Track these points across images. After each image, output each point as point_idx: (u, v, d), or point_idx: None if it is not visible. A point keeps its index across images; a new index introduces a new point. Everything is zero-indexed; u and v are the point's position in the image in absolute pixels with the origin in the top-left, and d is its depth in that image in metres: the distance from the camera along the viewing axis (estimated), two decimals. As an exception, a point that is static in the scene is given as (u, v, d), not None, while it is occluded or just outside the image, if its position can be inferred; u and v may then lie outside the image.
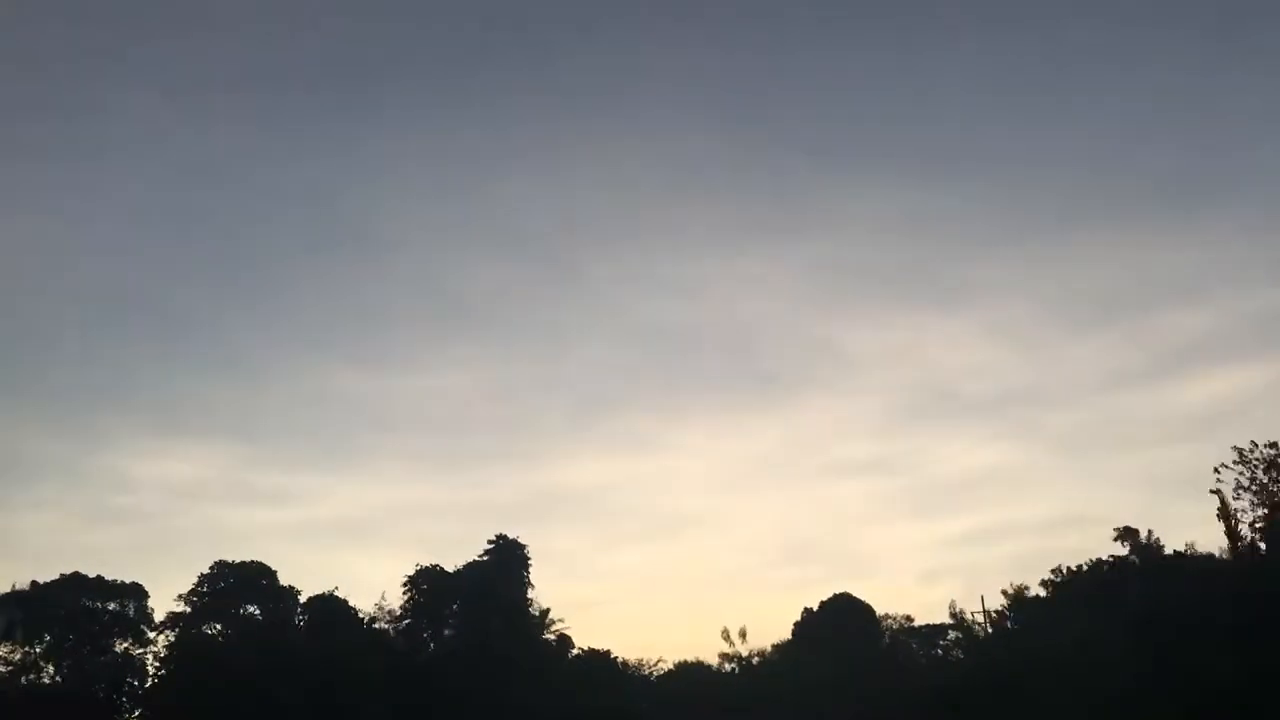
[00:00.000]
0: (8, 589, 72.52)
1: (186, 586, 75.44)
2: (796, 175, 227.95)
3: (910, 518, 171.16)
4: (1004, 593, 77.23)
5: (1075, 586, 71.01)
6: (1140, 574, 65.49)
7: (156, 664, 73.98)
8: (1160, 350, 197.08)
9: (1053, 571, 73.64)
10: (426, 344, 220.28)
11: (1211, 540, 63.80)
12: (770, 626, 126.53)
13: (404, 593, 78.37)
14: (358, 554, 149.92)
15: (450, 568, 79.63)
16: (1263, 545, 60.23)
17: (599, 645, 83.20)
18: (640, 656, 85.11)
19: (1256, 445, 60.39)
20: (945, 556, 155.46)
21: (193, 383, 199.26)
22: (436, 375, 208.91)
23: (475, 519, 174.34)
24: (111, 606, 74.14)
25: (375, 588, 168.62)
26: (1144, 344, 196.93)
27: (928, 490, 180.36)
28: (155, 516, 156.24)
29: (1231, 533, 60.61)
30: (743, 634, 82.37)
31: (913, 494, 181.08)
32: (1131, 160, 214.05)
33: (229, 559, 77.32)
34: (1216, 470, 61.11)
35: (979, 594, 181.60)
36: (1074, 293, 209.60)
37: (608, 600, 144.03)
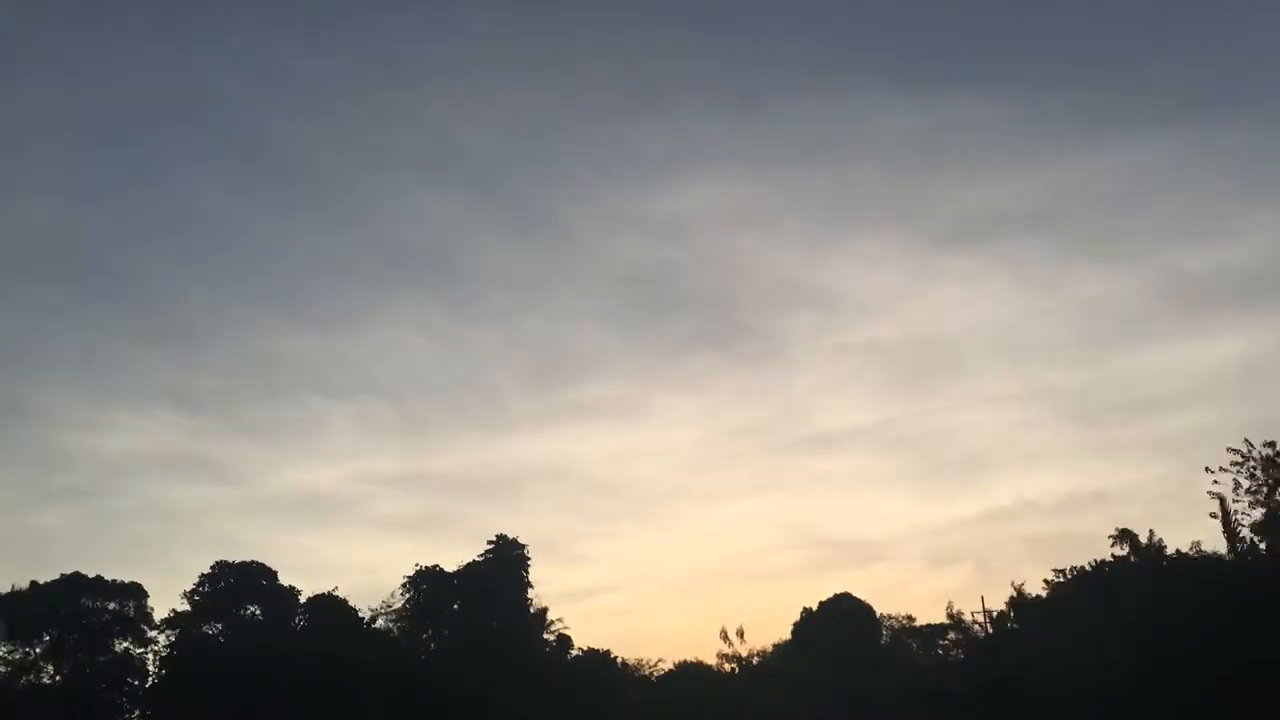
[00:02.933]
0: (7, 589, 72.73)
1: (135, 574, 75.56)
2: (787, 90, 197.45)
3: (917, 495, 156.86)
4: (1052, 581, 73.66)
5: (1075, 587, 70.93)
6: (1140, 574, 65.41)
7: (156, 664, 74.07)
8: (1192, 295, 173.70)
9: (1054, 571, 73.57)
10: (372, 296, 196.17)
11: (1219, 533, 62.84)
12: (773, 618, 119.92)
13: (404, 593, 78.52)
14: (313, 534, 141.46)
15: (450, 567, 79.87)
16: (1262, 546, 60.01)
17: (589, 637, 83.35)
18: (640, 656, 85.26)
19: (1253, 445, 60.00)
20: (956, 539, 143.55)
21: (122, 344, 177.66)
22: (385, 332, 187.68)
23: (435, 494, 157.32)
24: (111, 606, 74.13)
25: (335, 571, 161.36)
26: (1173, 287, 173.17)
27: (935, 464, 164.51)
28: (93, 496, 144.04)
29: (1231, 534, 60.28)
30: (740, 633, 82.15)
31: (919, 468, 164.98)
32: (1156, 66, 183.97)
33: (229, 559, 77.78)
34: (1211, 470, 60.50)
35: (993, 580, 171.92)
36: (1098, 225, 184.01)
37: (595, 589, 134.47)
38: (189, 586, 75.76)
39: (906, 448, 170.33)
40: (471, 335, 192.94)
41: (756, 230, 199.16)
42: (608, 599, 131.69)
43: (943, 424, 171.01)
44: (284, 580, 78.53)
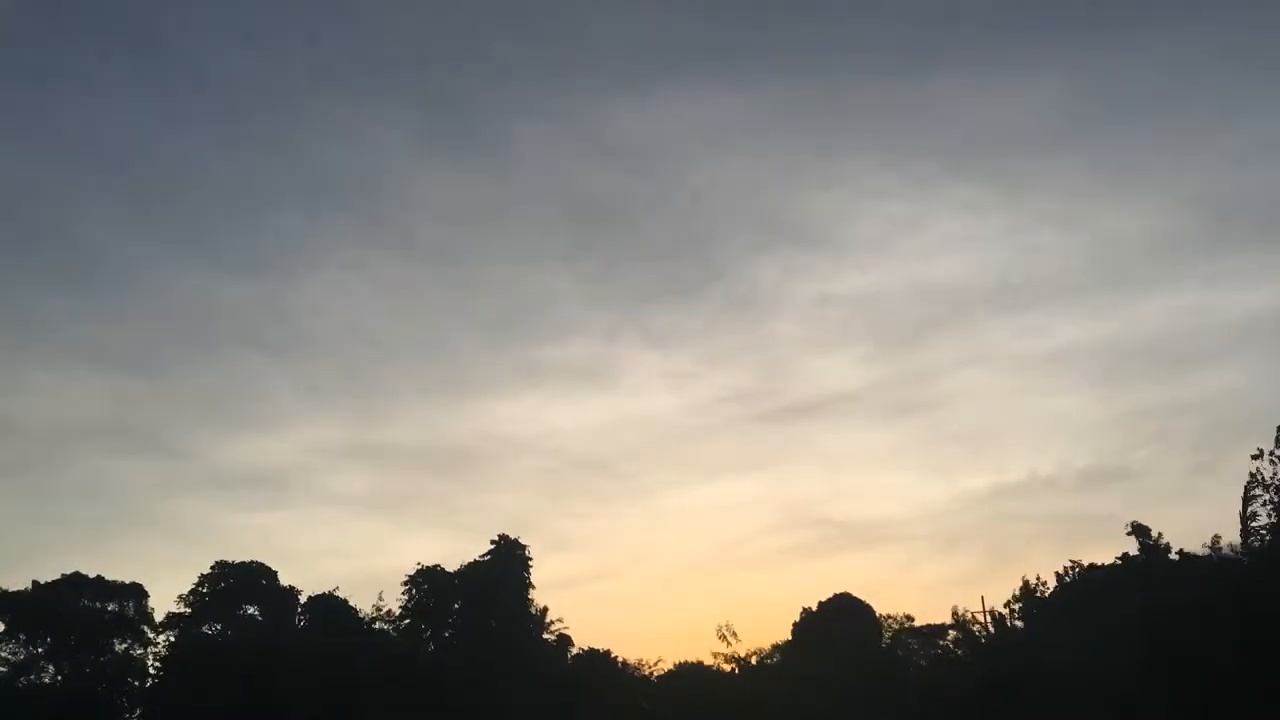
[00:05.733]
0: (8, 589, 72.70)
1: (90, 567, 74.52)
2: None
3: (920, 471, 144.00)
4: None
5: (1080, 586, 70.88)
6: (1147, 573, 65.35)
7: (156, 664, 74.18)
8: (1232, 226, 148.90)
9: (1061, 569, 73.47)
10: (312, 237, 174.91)
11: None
12: (772, 612, 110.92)
13: (404, 593, 78.63)
14: (266, 515, 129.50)
15: (450, 568, 79.89)
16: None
17: (578, 631, 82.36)
18: (639, 656, 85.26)
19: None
20: (964, 520, 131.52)
21: (31, 292, 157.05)
22: (329, 280, 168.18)
23: (395, 469, 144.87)
24: (111, 606, 74.23)
25: (299, 558, 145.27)
26: (1210, 217, 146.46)
27: (938, 435, 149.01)
28: (22, 472, 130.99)
29: (1246, 531, 60.06)
30: (733, 634, 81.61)
31: (921, 440, 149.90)
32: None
33: (229, 559, 77.65)
34: (1256, 457, 59.35)
35: (1005, 567, 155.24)
36: (1121, 142, 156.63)
37: (581, 578, 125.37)
38: (188, 588, 75.83)
39: (905, 416, 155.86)
40: (416, 280, 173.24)
41: (730, 152, 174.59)
42: (595, 588, 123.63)
43: (944, 388, 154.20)
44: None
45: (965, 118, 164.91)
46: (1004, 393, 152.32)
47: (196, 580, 75.59)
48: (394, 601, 78.17)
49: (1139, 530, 67.97)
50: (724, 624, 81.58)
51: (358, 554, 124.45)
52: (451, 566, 79.66)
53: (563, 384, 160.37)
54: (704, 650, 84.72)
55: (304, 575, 74.04)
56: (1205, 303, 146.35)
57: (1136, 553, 67.75)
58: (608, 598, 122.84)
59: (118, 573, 75.17)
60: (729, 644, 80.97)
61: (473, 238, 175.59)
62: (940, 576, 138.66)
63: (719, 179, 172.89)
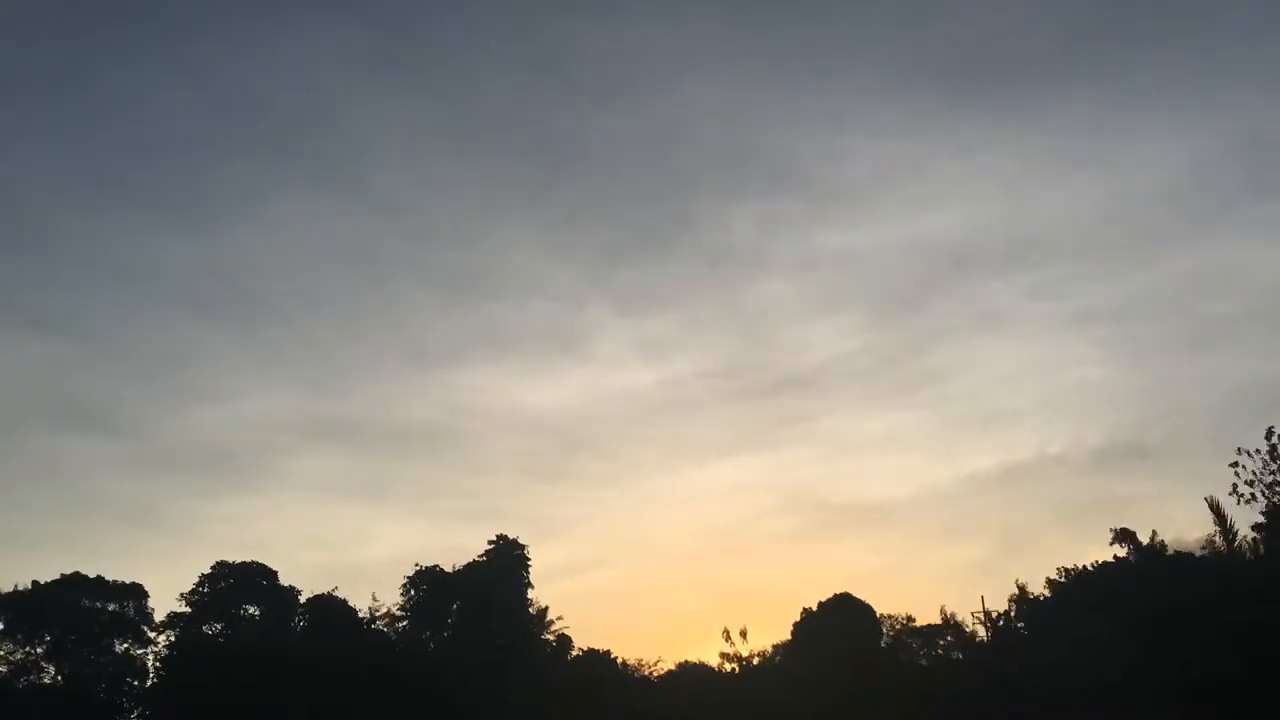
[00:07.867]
0: (8, 589, 72.80)
1: (52, 558, 74.94)
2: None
3: (922, 449, 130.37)
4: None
5: (1076, 587, 70.90)
6: (1141, 574, 65.37)
7: (156, 664, 74.29)
8: (1271, 166, 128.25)
9: (1055, 575, 73.39)
10: (256, 185, 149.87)
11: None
12: (773, 607, 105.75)
13: (403, 593, 78.69)
14: (227, 501, 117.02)
15: (449, 568, 79.91)
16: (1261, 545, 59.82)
17: (572, 624, 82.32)
18: (640, 656, 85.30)
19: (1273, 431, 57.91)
20: (971, 504, 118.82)
21: None
22: (271, 230, 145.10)
23: (359, 448, 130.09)
24: (111, 607, 74.39)
25: (270, 547, 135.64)
26: (1255, 155, 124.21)
27: (940, 409, 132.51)
28: None
29: (1226, 532, 59.82)
30: (743, 634, 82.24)
31: (921, 415, 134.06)
32: None
33: (229, 559, 77.77)
34: (1236, 459, 58.40)
35: (1014, 556, 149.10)
36: (1152, 66, 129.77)
37: (570, 567, 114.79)
38: (188, 587, 75.91)
39: (904, 389, 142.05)
40: (367, 231, 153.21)
41: (706, 79, 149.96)
42: (586, 579, 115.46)
43: (946, 358, 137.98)
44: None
45: (968, 39, 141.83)
46: (1011, 362, 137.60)
47: (196, 580, 75.88)
48: (387, 599, 78.50)
49: (1124, 536, 67.94)
50: (732, 625, 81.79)
51: (334, 543, 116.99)
52: (439, 559, 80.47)
53: (528, 353, 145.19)
54: (705, 647, 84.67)
55: (282, 567, 69.35)
56: (1235, 258, 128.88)
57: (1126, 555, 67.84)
58: (599, 589, 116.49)
59: (81, 565, 74.62)
60: (733, 645, 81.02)
61: (426, 183, 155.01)
62: (946, 563, 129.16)
63: (693, 110, 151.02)
